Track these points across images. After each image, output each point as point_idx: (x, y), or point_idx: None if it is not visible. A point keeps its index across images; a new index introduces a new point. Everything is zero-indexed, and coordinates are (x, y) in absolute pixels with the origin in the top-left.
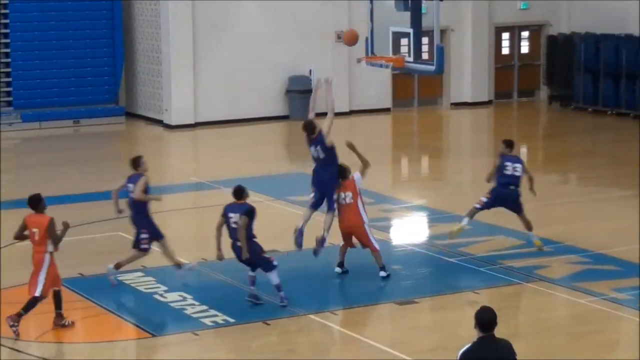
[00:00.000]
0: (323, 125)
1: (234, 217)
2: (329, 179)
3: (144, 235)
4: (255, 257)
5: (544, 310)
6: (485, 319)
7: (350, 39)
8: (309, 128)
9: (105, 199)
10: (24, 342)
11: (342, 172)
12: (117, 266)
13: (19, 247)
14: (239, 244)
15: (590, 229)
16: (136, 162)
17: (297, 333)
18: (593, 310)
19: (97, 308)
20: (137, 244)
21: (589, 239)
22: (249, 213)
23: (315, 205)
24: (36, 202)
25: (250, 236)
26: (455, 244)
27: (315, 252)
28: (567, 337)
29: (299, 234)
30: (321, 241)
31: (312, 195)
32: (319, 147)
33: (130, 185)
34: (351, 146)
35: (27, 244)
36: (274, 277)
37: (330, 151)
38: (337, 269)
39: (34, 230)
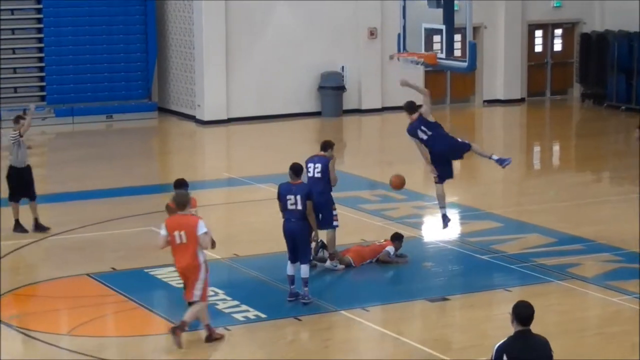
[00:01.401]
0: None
1: (291, 198)
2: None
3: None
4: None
5: (576, 309)
6: (524, 313)
7: (397, 185)
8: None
9: (137, 195)
10: (56, 336)
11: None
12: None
13: (44, 244)
14: (293, 221)
15: (623, 228)
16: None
17: (329, 330)
18: (625, 310)
19: (129, 302)
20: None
21: (621, 237)
22: (310, 195)
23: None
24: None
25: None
26: (488, 242)
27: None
28: (599, 337)
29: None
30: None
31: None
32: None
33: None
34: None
35: (53, 241)
36: (305, 270)
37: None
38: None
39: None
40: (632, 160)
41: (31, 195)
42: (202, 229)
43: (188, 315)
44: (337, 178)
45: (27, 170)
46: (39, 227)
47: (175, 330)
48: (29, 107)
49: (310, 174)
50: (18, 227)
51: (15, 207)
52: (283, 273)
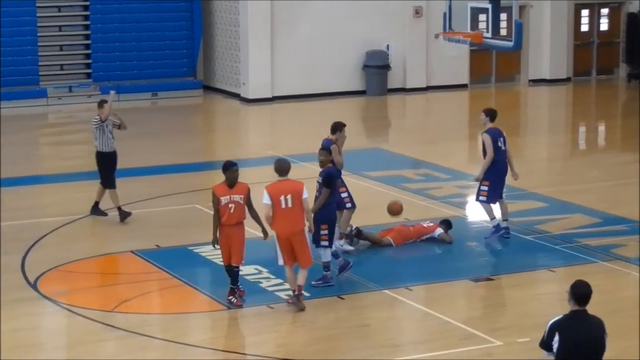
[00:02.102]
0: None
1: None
2: None
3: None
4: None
5: (619, 289)
6: (581, 292)
7: (394, 212)
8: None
9: (182, 172)
10: (100, 312)
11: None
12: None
13: (89, 221)
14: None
15: None
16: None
17: (371, 308)
18: None
19: (173, 280)
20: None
21: None
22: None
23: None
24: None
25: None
26: (532, 222)
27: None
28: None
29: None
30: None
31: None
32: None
33: None
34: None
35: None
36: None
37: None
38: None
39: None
40: None
41: (104, 182)
42: (306, 193)
43: (300, 279)
44: (342, 161)
45: (111, 155)
46: (122, 215)
47: (299, 298)
48: (110, 92)
49: None
50: (96, 210)
51: (101, 191)
52: None
